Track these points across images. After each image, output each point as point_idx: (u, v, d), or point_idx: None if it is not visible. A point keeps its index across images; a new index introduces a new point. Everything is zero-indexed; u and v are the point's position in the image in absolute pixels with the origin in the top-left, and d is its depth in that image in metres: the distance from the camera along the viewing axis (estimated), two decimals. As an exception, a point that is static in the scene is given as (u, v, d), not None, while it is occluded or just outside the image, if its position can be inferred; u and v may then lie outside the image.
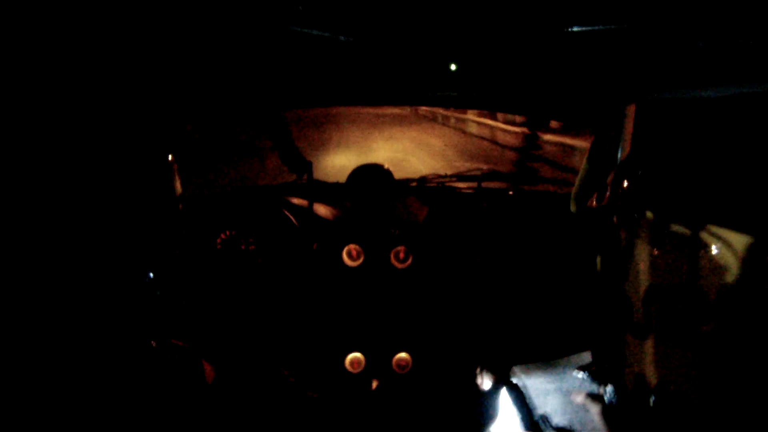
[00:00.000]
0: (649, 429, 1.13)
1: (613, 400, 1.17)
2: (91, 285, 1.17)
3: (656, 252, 1.32)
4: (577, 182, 1.82)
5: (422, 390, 1.80)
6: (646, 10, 1.06)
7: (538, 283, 1.96)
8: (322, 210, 1.94)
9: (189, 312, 1.60)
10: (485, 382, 1.63)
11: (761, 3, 0.97)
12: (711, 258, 1.17)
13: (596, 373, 1.23)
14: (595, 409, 1.17)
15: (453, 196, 2.18)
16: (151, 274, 1.29)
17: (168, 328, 1.38)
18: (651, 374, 1.17)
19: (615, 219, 1.48)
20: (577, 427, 1.26)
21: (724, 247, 1.17)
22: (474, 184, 2.28)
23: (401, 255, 1.80)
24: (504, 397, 1.59)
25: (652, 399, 1.11)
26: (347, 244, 1.80)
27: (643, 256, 1.35)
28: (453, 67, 1.47)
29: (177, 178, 1.38)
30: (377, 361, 1.79)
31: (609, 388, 1.19)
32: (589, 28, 1.15)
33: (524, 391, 1.39)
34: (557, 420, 1.30)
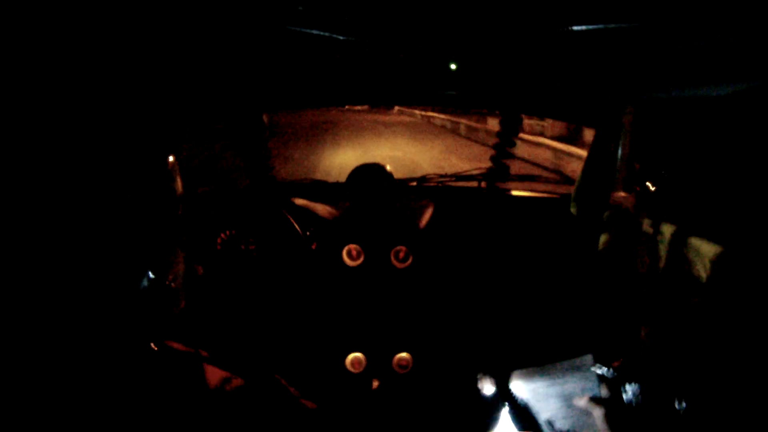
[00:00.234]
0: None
1: (633, 401, 1.16)
2: (89, 286, 1.17)
3: (664, 250, 1.32)
4: (577, 182, 1.82)
5: (423, 390, 1.80)
6: (646, 10, 1.06)
7: (538, 284, 1.96)
8: (322, 210, 1.94)
9: (189, 313, 1.60)
10: (486, 385, 1.63)
11: (761, 3, 0.97)
12: (717, 255, 1.17)
13: (620, 369, 1.23)
14: (597, 413, 1.16)
15: (453, 196, 2.18)
16: (151, 274, 1.29)
17: (167, 330, 1.38)
18: (674, 376, 1.17)
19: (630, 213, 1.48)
20: (578, 430, 1.26)
21: (728, 247, 1.17)
22: (474, 184, 2.28)
23: (401, 255, 1.81)
24: (504, 400, 1.59)
25: (678, 403, 1.11)
26: (347, 244, 1.80)
27: (653, 253, 1.35)
28: (453, 67, 1.47)
29: (178, 178, 1.37)
30: (378, 361, 1.79)
31: (632, 387, 1.18)
32: (589, 28, 1.15)
33: (525, 394, 1.39)
34: (558, 423, 1.30)
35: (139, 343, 1.22)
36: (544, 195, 2.24)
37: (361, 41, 1.28)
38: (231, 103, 1.81)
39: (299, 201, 1.95)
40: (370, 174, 1.85)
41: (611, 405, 1.16)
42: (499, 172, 2.27)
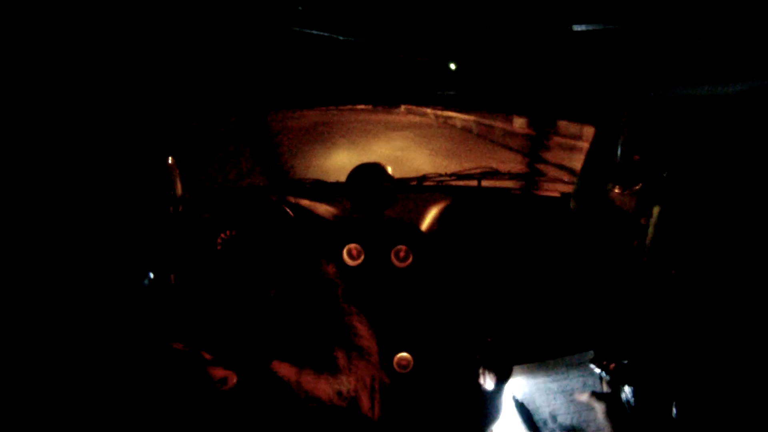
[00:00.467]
0: (660, 429, 1.13)
1: (631, 400, 1.16)
2: (90, 287, 1.17)
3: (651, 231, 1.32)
4: (577, 181, 1.82)
5: (424, 389, 1.80)
6: (646, 10, 1.06)
7: (539, 281, 1.96)
8: (322, 210, 1.94)
9: (190, 314, 1.60)
10: (488, 382, 1.63)
11: (761, 3, 0.97)
12: (720, 253, 1.17)
13: (614, 371, 1.23)
14: (599, 409, 1.16)
15: (453, 196, 2.18)
16: (151, 275, 1.30)
17: (169, 332, 1.38)
18: (673, 376, 1.17)
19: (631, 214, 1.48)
20: (581, 426, 1.26)
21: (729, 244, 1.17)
22: (474, 183, 2.28)
23: (401, 254, 1.80)
24: (506, 396, 1.59)
25: (674, 404, 1.11)
26: (347, 243, 1.80)
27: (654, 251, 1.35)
28: (453, 67, 1.47)
29: (177, 179, 1.38)
30: (378, 361, 1.79)
31: (627, 387, 1.18)
32: (589, 28, 1.15)
33: (527, 391, 1.39)
34: (561, 419, 1.30)
35: (140, 344, 1.23)
36: (544, 194, 2.24)
37: (362, 41, 1.28)
38: (234, 103, 1.81)
39: (299, 201, 1.95)
40: (369, 174, 1.84)
41: (612, 401, 1.16)
42: (498, 171, 2.27)
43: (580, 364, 1.28)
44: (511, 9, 1.15)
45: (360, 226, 1.83)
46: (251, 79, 1.66)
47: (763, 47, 1.08)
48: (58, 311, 1.11)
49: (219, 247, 1.85)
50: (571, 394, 1.27)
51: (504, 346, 1.86)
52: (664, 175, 1.37)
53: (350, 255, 1.80)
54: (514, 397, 1.54)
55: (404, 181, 2.22)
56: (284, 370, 1.39)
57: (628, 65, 1.41)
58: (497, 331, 1.89)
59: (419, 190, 2.21)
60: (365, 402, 1.78)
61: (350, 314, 1.81)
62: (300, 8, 1.15)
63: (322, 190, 2.18)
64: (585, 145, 2.02)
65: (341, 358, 1.79)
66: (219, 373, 1.32)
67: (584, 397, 1.22)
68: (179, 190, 1.55)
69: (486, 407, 1.61)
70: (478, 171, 2.28)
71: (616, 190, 1.52)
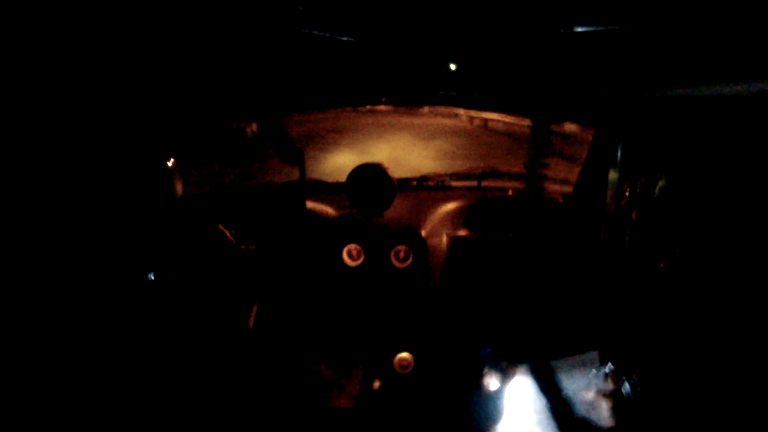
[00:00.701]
0: (665, 427, 1.14)
1: (632, 398, 1.17)
2: (92, 287, 1.17)
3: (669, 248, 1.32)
4: (577, 181, 1.82)
5: (425, 390, 1.80)
6: (646, 10, 1.06)
7: (540, 281, 1.96)
8: (322, 210, 1.94)
9: (190, 313, 1.60)
10: (491, 382, 1.63)
11: (761, 3, 0.97)
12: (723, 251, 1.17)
13: (619, 369, 1.23)
14: (605, 406, 1.17)
15: (453, 196, 2.18)
16: (152, 276, 1.30)
17: (169, 331, 1.38)
18: (675, 373, 1.17)
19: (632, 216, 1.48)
20: (585, 424, 1.26)
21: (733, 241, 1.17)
22: (474, 183, 2.28)
23: (401, 254, 1.80)
24: (510, 396, 1.59)
25: (677, 399, 1.11)
26: (347, 244, 1.79)
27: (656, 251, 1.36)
28: (453, 67, 1.47)
29: (178, 179, 1.38)
30: (379, 361, 1.79)
31: (630, 384, 1.19)
32: (588, 29, 1.15)
33: (531, 390, 1.39)
34: (565, 418, 1.30)
35: (141, 343, 1.23)
36: (545, 194, 2.24)
37: (362, 41, 1.28)
38: (241, 107, 1.81)
39: (299, 201, 1.95)
40: (369, 174, 1.84)
41: (617, 399, 1.16)
42: (498, 171, 2.27)
43: (584, 364, 1.28)
44: (512, 10, 1.16)
45: (360, 226, 1.82)
46: (252, 80, 1.66)
47: (763, 47, 1.08)
48: (61, 311, 1.11)
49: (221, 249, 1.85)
50: (575, 394, 1.28)
51: (507, 346, 1.86)
52: (661, 174, 1.38)
53: (350, 255, 1.80)
54: (518, 396, 1.54)
55: (404, 181, 2.22)
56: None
57: (628, 65, 1.41)
58: (500, 332, 1.89)
59: (419, 190, 2.21)
60: (367, 403, 1.78)
61: (350, 314, 1.81)
62: (300, 8, 1.15)
63: (322, 190, 2.17)
64: (585, 146, 2.01)
65: (342, 358, 1.79)
66: (225, 374, 1.31)
67: (589, 395, 1.22)
68: (179, 191, 1.56)
69: (489, 407, 1.61)
70: (478, 171, 2.28)
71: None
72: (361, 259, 1.80)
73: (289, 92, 1.81)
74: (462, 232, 2.00)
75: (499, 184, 2.31)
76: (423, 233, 1.86)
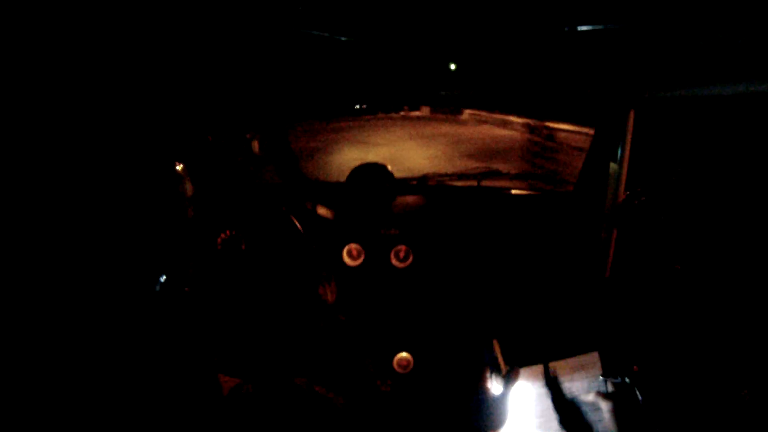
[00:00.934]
0: (666, 428, 1.13)
1: (634, 400, 1.17)
2: (103, 289, 1.17)
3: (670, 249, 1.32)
4: (578, 181, 1.82)
5: (424, 390, 1.80)
6: (646, 10, 1.06)
7: (541, 282, 1.96)
8: (322, 210, 1.94)
9: (197, 316, 1.60)
10: (491, 383, 1.63)
11: (761, 3, 0.97)
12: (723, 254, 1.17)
13: (620, 371, 1.23)
14: (604, 409, 1.17)
15: (453, 195, 2.18)
16: (163, 278, 1.30)
17: (180, 335, 1.39)
18: (678, 375, 1.17)
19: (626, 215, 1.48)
20: (588, 427, 1.26)
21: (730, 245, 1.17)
22: (474, 183, 2.27)
23: (401, 254, 1.80)
24: (510, 397, 1.59)
25: (679, 402, 1.11)
26: (347, 243, 1.80)
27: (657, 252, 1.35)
28: (453, 67, 1.47)
29: (188, 182, 1.38)
30: (378, 361, 1.79)
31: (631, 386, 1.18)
32: (588, 28, 1.15)
33: (532, 391, 1.39)
34: (568, 420, 1.30)
35: (153, 347, 1.23)
36: (545, 194, 2.24)
37: (362, 42, 1.28)
38: (253, 119, 1.81)
39: (299, 201, 1.95)
40: (370, 174, 1.84)
41: (618, 401, 1.16)
42: (498, 171, 2.27)
43: (585, 366, 1.28)
44: (513, 9, 1.16)
45: (360, 227, 1.83)
46: (254, 81, 1.67)
47: (763, 47, 1.08)
48: (72, 313, 1.12)
49: (219, 247, 1.85)
50: (576, 395, 1.28)
51: (507, 347, 1.86)
52: (670, 175, 1.37)
53: (350, 255, 1.80)
54: (519, 398, 1.54)
55: (404, 181, 2.22)
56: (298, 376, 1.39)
57: (629, 65, 1.41)
58: (500, 332, 1.89)
59: (419, 190, 2.21)
60: (366, 402, 1.78)
61: (350, 315, 1.81)
62: (300, 8, 1.16)
63: (323, 190, 2.18)
64: (585, 145, 2.01)
65: (342, 358, 1.79)
66: (233, 381, 1.31)
67: (590, 397, 1.22)
68: (190, 191, 1.56)
69: (491, 408, 1.61)
70: (478, 171, 2.28)
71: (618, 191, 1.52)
72: (361, 259, 1.80)
73: (301, 97, 1.81)
74: (461, 232, 2.00)
75: (499, 184, 2.31)
76: (423, 233, 1.86)
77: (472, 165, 2.37)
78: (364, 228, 1.82)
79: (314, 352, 1.84)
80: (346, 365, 1.79)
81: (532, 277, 1.97)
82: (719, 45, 1.13)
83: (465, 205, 2.08)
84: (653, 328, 1.34)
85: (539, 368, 1.44)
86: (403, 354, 1.79)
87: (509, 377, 1.66)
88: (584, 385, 1.28)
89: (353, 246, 1.80)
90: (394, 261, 1.80)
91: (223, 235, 1.85)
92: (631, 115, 1.75)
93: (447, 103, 2.18)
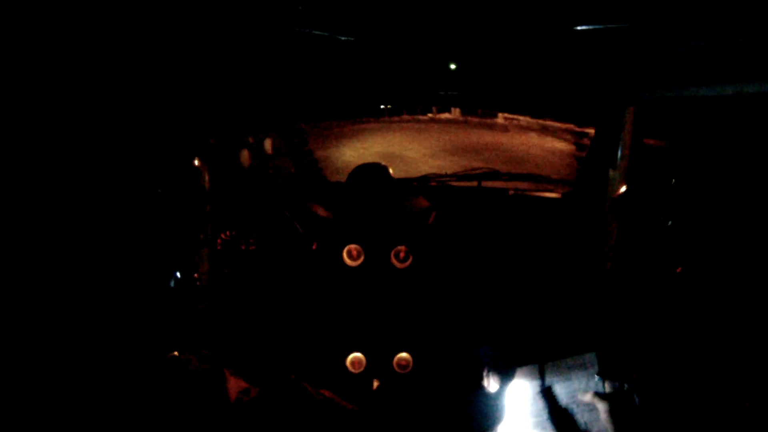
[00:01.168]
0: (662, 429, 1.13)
1: (632, 400, 1.17)
2: (117, 287, 1.17)
3: (670, 249, 1.32)
4: (578, 181, 1.82)
5: (424, 390, 1.80)
6: (646, 10, 1.06)
7: (540, 282, 1.96)
8: (322, 210, 1.93)
9: (206, 314, 1.60)
10: (490, 383, 1.63)
11: (760, 3, 0.97)
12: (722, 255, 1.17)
13: (618, 371, 1.23)
14: (602, 408, 1.17)
15: (454, 196, 2.18)
16: (178, 274, 1.30)
17: (189, 335, 1.39)
18: (676, 375, 1.17)
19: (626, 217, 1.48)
20: (584, 427, 1.26)
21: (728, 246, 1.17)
22: (474, 184, 2.28)
23: (401, 255, 1.80)
24: (509, 397, 1.59)
25: (677, 402, 1.11)
26: (347, 244, 1.79)
27: (656, 253, 1.35)
28: (453, 67, 1.47)
29: (206, 175, 1.38)
30: (378, 361, 1.79)
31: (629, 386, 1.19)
32: (588, 28, 1.15)
33: (530, 391, 1.39)
34: (564, 420, 1.30)
35: (162, 347, 1.22)
36: (545, 194, 2.24)
37: (362, 41, 1.28)
38: (259, 120, 1.81)
39: (299, 201, 1.95)
40: (370, 174, 1.84)
41: (615, 401, 1.16)
42: (498, 171, 2.27)
43: (583, 365, 1.28)
44: (513, 9, 1.16)
45: (360, 227, 1.82)
46: (255, 82, 1.67)
47: (763, 47, 1.08)
48: (84, 312, 1.12)
49: (219, 247, 1.85)
50: (573, 395, 1.27)
51: (506, 347, 1.86)
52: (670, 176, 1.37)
53: (350, 255, 1.80)
54: (517, 397, 1.54)
55: (404, 181, 2.22)
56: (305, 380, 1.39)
57: (628, 66, 1.41)
58: (499, 332, 1.89)
59: (419, 190, 2.21)
60: (366, 402, 1.78)
61: (351, 316, 1.81)
62: (300, 8, 1.16)
63: (323, 190, 2.18)
64: (585, 145, 2.01)
65: (341, 358, 1.79)
66: (240, 384, 1.30)
67: (587, 397, 1.22)
68: (207, 185, 1.55)
69: (489, 408, 1.61)
70: (478, 171, 2.28)
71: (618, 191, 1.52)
72: (361, 259, 1.80)
73: (311, 99, 1.81)
74: (461, 232, 2.00)
75: (498, 184, 2.31)
76: (423, 234, 1.86)
77: (476, 166, 2.36)
78: (364, 229, 1.82)
79: (314, 352, 1.84)
80: (346, 365, 1.79)
81: (532, 277, 1.97)
82: (719, 45, 1.13)
83: (465, 205, 2.08)
84: (653, 330, 1.33)
85: (536, 367, 1.44)
86: (403, 354, 1.79)
87: (506, 376, 1.66)
88: (581, 385, 1.27)
89: (353, 246, 1.80)
90: (394, 261, 1.80)
91: (223, 236, 1.86)
92: (631, 114, 1.75)
93: (446, 102, 2.18)
